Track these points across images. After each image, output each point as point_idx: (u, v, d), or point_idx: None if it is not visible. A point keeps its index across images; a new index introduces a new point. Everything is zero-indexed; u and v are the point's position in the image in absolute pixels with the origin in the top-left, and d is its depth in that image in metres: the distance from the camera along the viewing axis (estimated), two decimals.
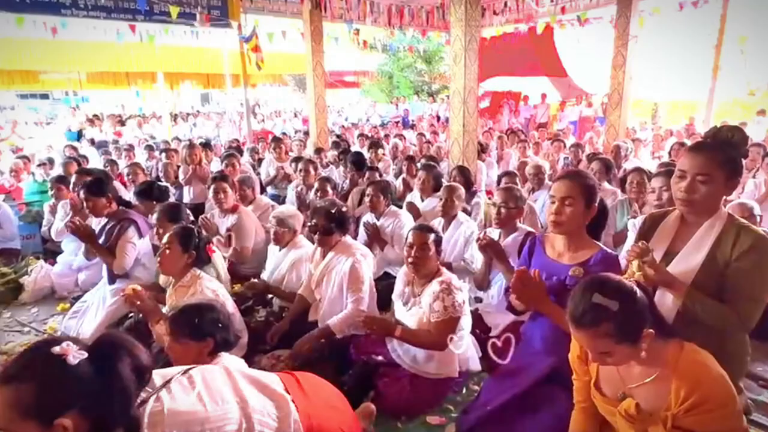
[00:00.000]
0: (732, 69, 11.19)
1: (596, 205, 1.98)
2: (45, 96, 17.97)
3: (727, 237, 1.64)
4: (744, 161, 1.71)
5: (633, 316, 1.38)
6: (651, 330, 1.39)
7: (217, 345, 1.82)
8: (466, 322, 2.53)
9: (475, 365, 2.63)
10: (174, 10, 7.40)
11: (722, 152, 1.63)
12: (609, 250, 2.00)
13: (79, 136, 11.19)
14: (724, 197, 1.76)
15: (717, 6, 8.96)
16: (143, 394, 1.31)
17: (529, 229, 3.03)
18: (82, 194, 3.48)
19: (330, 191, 4.31)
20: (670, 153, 6.33)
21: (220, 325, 1.85)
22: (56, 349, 1.14)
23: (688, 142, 5.95)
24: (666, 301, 1.70)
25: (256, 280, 3.33)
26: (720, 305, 1.62)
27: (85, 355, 1.17)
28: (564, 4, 8.90)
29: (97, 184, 3.45)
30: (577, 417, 1.76)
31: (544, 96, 12.60)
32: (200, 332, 1.81)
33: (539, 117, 12.31)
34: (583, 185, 1.96)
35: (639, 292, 1.42)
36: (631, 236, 2.97)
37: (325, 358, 2.64)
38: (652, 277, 1.63)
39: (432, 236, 2.47)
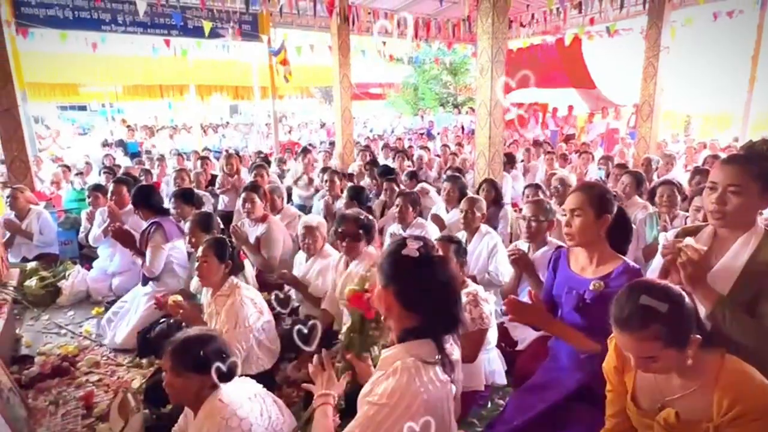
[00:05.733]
0: None
1: (609, 215, 1.94)
2: (83, 108, 18.70)
3: (765, 252, 1.59)
4: None
5: (682, 320, 1.33)
6: (698, 336, 1.35)
7: (219, 377, 1.74)
8: (492, 334, 2.50)
9: (501, 379, 2.61)
10: (207, 26, 7.67)
11: (757, 165, 1.58)
12: (632, 264, 1.95)
13: (125, 146, 11.59)
14: (761, 211, 1.70)
15: (753, 16, 8.71)
16: None
17: (559, 242, 2.99)
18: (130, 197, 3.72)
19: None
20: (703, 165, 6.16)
21: (223, 355, 1.78)
22: None
23: (723, 155, 5.78)
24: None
25: (285, 271, 3.40)
26: (753, 320, 1.56)
27: None
28: (593, 15, 8.82)
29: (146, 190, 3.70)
30: None
31: (571, 108, 12.46)
32: (204, 365, 1.72)
33: (567, 129, 12.17)
34: (591, 196, 1.94)
35: (686, 296, 1.38)
36: None
37: (347, 369, 2.64)
38: (690, 272, 1.55)
39: (453, 247, 2.47)
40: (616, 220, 1.97)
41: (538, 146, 8.51)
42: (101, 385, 2.97)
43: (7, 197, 4.44)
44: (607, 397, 1.70)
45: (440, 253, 1.42)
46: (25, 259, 4.62)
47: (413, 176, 5.55)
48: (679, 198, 3.57)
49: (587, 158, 6.85)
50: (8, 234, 4.57)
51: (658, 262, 3.12)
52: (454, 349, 1.44)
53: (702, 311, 1.63)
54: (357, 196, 4.37)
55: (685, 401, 1.42)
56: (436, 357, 1.33)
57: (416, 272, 1.35)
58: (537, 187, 4.48)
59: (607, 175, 5.95)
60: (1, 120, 4.90)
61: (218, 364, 1.72)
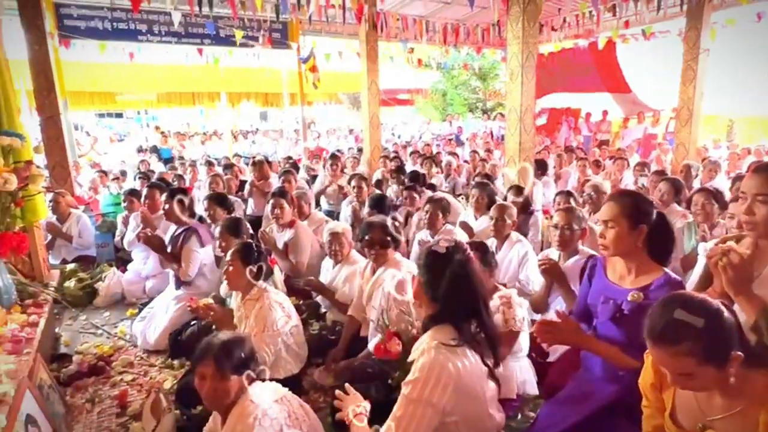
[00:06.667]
0: None
1: (645, 226, 1.86)
2: (119, 115, 19.40)
3: None
4: None
5: (719, 335, 1.26)
6: (740, 353, 1.27)
7: (253, 378, 1.79)
8: (524, 341, 2.44)
9: (532, 389, 2.54)
10: (239, 34, 7.85)
11: None
12: (674, 276, 1.87)
13: (159, 152, 11.96)
14: None
15: None
16: None
17: (592, 252, 2.90)
18: (164, 198, 3.79)
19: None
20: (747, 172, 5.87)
21: (255, 357, 1.83)
22: None
23: None
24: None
25: (312, 278, 3.43)
26: None
27: None
28: (627, 18, 8.59)
29: (180, 192, 3.83)
30: None
31: (605, 113, 12.17)
32: (245, 366, 1.76)
33: (600, 134, 11.87)
34: (625, 206, 1.87)
35: (726, 311, 1.30)
36: (701, 261, 2.77)
37: (372, 376, 2.62)
38: (732, 276, 1.47)
39: (479, 254, 2.42)
40: (658, 229, 1.89)
41: (570, 152, 8.32)
42: (134, 384, 3.03)
43: (50, 201, 4.62)
44: (644, 413, 1.63)
45: (469, 253, 1.66)
46: (64, 261, 4.79)
47: (432, 188, 5.54)
48: (716, 206, 3.39)
49: (622, 164, 6.65)
50: (50, 236, 4.75)
51: (697, 273, 3.00)
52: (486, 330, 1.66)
53: (744, 323, 1.55)
54: (379, 204, 4.35)
55: (728, 422, 1.34)
56: (457, 340, 1.56)
57: (440, 265, 1.63)
58: (568, 194, 4.36)
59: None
60: (45, 127, 5.10)
61: (253, 365, 1.78)
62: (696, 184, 5.53)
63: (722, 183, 5.46)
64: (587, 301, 2.08)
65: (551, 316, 2.82)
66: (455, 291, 1.61)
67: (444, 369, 1.50)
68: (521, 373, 2.51)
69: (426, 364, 1.52)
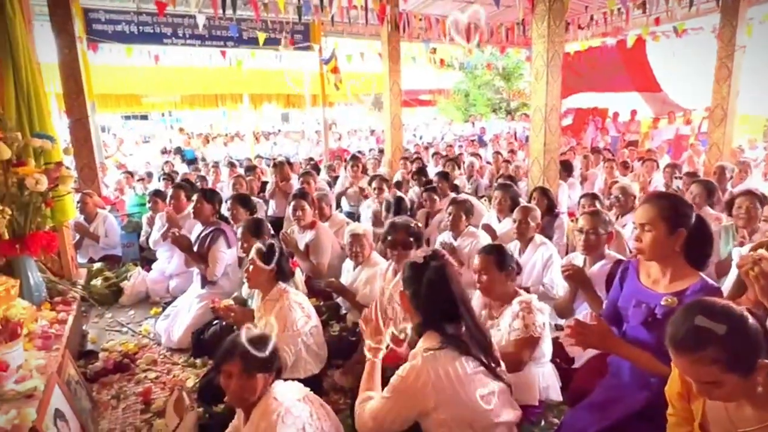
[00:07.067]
0: None
1: (684, 229, 1.78)
2: (145, 117, 19.81)
3: None
4: None
5: (743, 342, 1.21)
6: (767, 361, 1.21)
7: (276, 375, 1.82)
8: (547, 347, 2.37)
9: (556, 395, 2.47)
10: (261, 36, 7.94)
11: None
12: (711, 282, 1.80)
13: (183, 153, 12.20)
14: None
15: None
16: None
17: (618, 256, 2.81)
18: (195, 198, 3.87)
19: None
20: None
21: (278, 355, 1.85)
22: None
23: None
24: None
25: (333, 279, 3.42)
26: None
27: None
28: (658, 15, 8.35)
29: (211, 192, 3.93)
30: None
31: (634, 112, 11.86)
32: (271, 363, 1.79)
33: (629, 135, 11.56)
34: (663, 208, 1.79)
35: (751, 318, 1.25)
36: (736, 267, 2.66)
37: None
38: (765, 285, 1.43)
39: (493, 258, 2.37)
40: (697, 233, 1.81)
41: (597, 153, 8.12)
42: (158, 382, 3.07)
43: (78, 202, 4.73)
44: (669, 420, 1.58)
45: (445, 259, 1.79)
46: (91, 260, 4.89)
47: (455, 189, 5.50)
48: (760, 210, 3.26)
49: (651, 166, 6.45)
50: (78, 236, 4.87)
51: (731, 280, 2.88)
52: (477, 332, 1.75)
53: None
54: (397, 206, 4.33)
55: None
56: (442, 344, 1.65)
57: (418, 274, 1.75)
58: (594, 196, 4.23)
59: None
60: (73, 129, 5.23)
61: (277, 363, 1.82)
62: (728, 187, 5.33)
63: (756, 185, 5.24)
64: (617, 304, 2.03)
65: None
66: (433, 296, 1.72)
67: (422, 374, 1.62)
68: (544, 378, 2.45)
69: (410, 368, 1.65)
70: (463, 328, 1.72)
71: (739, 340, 1.21)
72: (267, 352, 1.77)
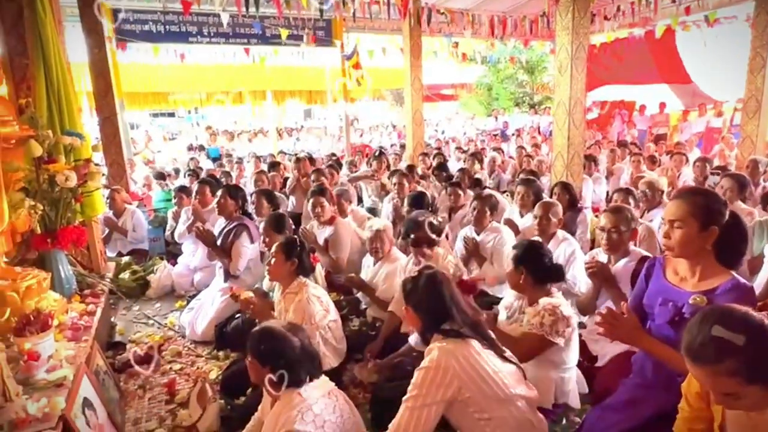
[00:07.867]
0: None
1: (717, 227, 1.70)
2: (171, 114, 20.19)
3: None
4: None
5: (764, 352, 1.15)
6: None
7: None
8: (572, 355, 2.32)
9: (575, 402, 2.39)
10: (284, 33, 8.01)
11: None
12: (743, 280, 1.72)
13: (207, 150, 12.42)
14: None
15: None
16: None
17: (644, 252, 2.73)
18: (219, 193, 3.94)
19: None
20: None
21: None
22: None
23: None
24: None
25: (353, 275, 3.44)
26: None
27: None
28: (688, 4, 8.07)
29: (234, 188, 4.00)
30: None
31: (662, 105, 11.48)
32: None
33: (657, 128, 11.21)
34: (695, 205, 1.71)
35: None
36: None
37: (411, 374, 2.59)
38: None
39: (514, 254, 2.36)
40: (731, 230, 1.73)
41: (623, 147, 7.91)
42: (182, 374, 3.15)
43: (107, 197, 4.86)
44: (679, 413, 1.53)
45: (437, 270, 1.98)
46: (119, 254, 5.04)
47: (478, 184, 5.43)
48: None
49: (680, 160, 6.23)
50: (106, 230, 5.01)
51: (762, 278, 2.77)
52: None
53: None
54: (418, 202, 4.28)
55: None
56: (446, 337, 1.80)
57: (414, 284, 1.94)
58: (627, 192, 3.99)
59: (703, 179, 5.38)
60: (103, 127, 5.38)
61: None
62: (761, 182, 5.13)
63: None
64: (642, 301, 1.96)
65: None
66: (429, 300, 1.88)
67: (449, 359, 1.73)
68: (564, 383, 2.38)
69: (434, 357, 1.75)
70: (459, 323, 1.86)
71: (759, 351, 1.14)
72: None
